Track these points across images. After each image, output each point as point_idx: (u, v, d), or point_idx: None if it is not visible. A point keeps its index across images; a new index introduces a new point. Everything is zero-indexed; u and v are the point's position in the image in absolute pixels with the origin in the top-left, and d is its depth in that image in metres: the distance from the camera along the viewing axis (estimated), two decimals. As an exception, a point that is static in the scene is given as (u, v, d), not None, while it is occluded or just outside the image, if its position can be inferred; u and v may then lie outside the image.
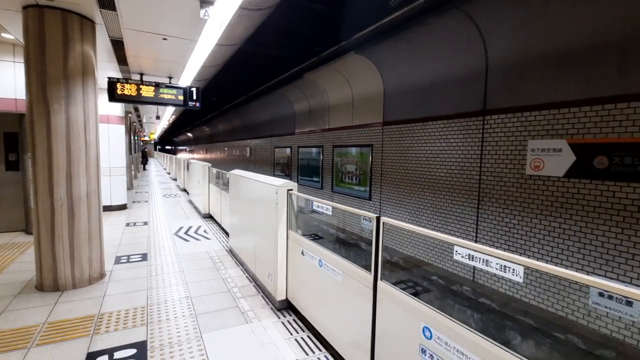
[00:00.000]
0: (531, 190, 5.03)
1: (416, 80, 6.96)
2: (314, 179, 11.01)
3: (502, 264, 1.33)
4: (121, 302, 3.59)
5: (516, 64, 5.15)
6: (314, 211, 8.13)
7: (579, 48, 4.38)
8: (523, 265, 1.29)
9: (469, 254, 1.50)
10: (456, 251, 1.56)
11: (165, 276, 4.31)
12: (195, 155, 32.15)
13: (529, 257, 5.08)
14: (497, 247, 5.49)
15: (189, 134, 34.76)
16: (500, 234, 5.45)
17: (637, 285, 4.00)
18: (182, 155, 31.54)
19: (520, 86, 5.14)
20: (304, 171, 11.70)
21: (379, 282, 2.06)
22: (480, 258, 1.43)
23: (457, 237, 6.10)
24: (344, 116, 9.41)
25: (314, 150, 11.07)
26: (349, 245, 7.72)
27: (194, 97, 6.34)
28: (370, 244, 2.11)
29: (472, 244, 1.50)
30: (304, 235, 3.34)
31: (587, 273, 4.44)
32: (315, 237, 7.53)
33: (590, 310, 4.20)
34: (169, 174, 21.04)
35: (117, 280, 4.19)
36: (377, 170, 8.13)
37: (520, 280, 1.24)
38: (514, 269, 1.29)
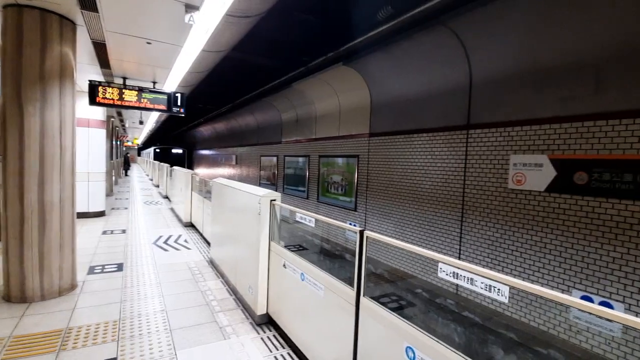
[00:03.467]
0: (513, 204, 5.10)
1: (402, 93, 7.04)
2: (300, 188, 10.93)
3: (487, 284, 1.29)
4: (92, 315, 3.40)
5: (499, 80, 5.26)
6: (298, 221, 8.03)
7: (559, 66, 4.51)
8: (508, 285, 1.25)
9: (454, 272, 1.45)
10: (440, 268, 1.52)
11: (140, 288, 4.12)
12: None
13: (510, 270, 5.12)
14: (479, 261, 5.52)
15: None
16: (483, 247, 5.49)
17: (616, 300, 4.06)
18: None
19: (502, 101, 5.25)
20: (290, 180, 11.61)
21: (362, 299, 2.00)
22: (464, 276, 1.39)
23: (441, 250, 6.13)
24: (330, 126, 9.42)
25: (300, 159, 11.02)
26: (334, 256, 7.64)
27: (179, 103, 6.22)
28: (355, 256, 2.05)
29: (457, 261, 1.46)
30: (287, 246, 3.26)
31: (568, 287, 4.49)
32: (300, 248, 7.42)
33: (571, 325, 4.23)
34: (152, 180, 20.57)
35: (89, 291, 3.98)
36: (362, 181, 8.12)
37: (506, 301, 1.20)
38: (499, 289, 1.26)
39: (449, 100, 6.08)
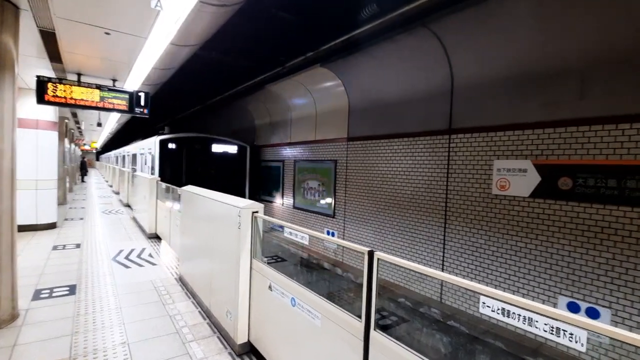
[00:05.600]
0: (497, 210, 5.02)
1: (382, 96, 6.87)
2: (274, 194, 10.50)
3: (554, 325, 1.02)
4: (36, 353, 2.83)
5: (481, 85, 5.20)
6: (272, 229, 7.58)
7: (542, 72, 4.49)
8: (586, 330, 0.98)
9: (501, 307, 1.17)
10: (483, 303, 1.24)
11: (97, 315, 3.55)
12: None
13: (495, 277, 5.02)
14: (464, 268, 5.40)
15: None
16: (467, 254, 5.38)
17: (602, 306, 4.05)
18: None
19: (485, 106, 5.18)
20: (264, 186, 11.13)
21: (372, 333, 1.68)
22: (519, 314, 1.11)
23: (424, 257, 5.97)
24: (307, 130, 9.10)
25: (274, 164, 10.60)
26: (312, 266, 7.25)
27: (142, 103, 5.65)
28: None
29: (505, 294, 1.18)
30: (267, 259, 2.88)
31: (554, 294, 4.44)
32: (277, 260, 6.99)
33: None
34: (111, 186, 19.17)
35: (34, 322, 3.37)
36: (341, 186, 7.86)
37: (583, 350, 0.93)
38: (572, 334, 0.99)
39: (431, 104, 5.96)
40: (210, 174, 10.37)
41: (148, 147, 10.56)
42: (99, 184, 22.20)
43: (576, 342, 0.98)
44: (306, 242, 2.31)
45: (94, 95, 5.51)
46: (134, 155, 13.66)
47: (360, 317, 1.75)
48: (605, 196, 3.97)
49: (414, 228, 6.25)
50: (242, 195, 10.19)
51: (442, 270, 5.63)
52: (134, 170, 12.37)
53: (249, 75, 7.92)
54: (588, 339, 1.00)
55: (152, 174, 9.27)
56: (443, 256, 5.72)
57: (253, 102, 10.66)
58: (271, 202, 10.73)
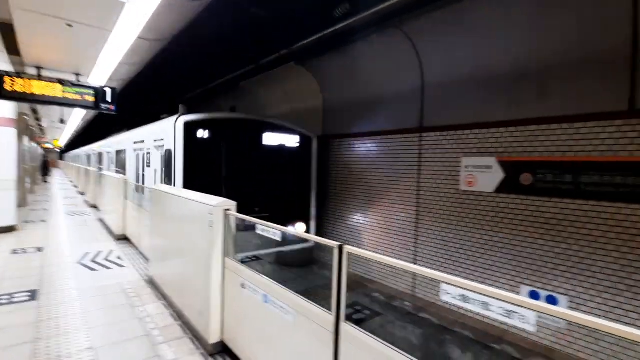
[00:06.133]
0: (465, 205, 5.23)
1: (355, 95, 6.96)
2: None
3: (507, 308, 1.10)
4: (-9, 363, 2.68)
5: (450, 85, 5.38)
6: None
7: (506, 73, 4.71)
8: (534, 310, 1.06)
9: (463, 295, 1.24)
10: (445, 290, 1.30)
11: (60, 320, 3.39)
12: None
13: (464, 269, 5.23)
14: (435, 261, 5.59)
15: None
16: (438, 248, 5.57)
17: (560, 293, 4.32)
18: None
19: (454, 105, 5.37)
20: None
21: (342, 325, 1.73)
22: (477, 300, 1.18)
23: (397, 252, 6.12)
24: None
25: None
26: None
27: (109, 99, 5.43)
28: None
29: (464, 281, 1.25)
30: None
31: (517, 283, 4.69)
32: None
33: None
34: (77, 187, 18.27)
35: (-11, 330, 3.18)
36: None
37: (533, 329, 1.01)
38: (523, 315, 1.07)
39: (402, 103, 6.11)
40: (260, 181, 6.38)
41: (155, 138, 6.38)
42: (64, 184, 21.10)
43: (526, 323, 1.06)
44: (279, 239, 2.32)
45: (55, 90, 5.23)
46: (121, 153, 9.47)
47: (330, 310, 1.79)
48: (562, 191, 4.23)
49: (387, 223, 6.39)
50: (307, 225, 7.14)
51: (415, 264, 5.80)
52: (119, 172, 9.15)
53: (221, 72, 7.78)
54: (538, 320, 1.08)
55: (167, 182, 5.71)
56: (415, 250, 5.89)
57: (227, 98, 10.45)
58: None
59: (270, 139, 6.48)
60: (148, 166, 6.83)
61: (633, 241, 3.65)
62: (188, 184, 5.35)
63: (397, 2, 4.60)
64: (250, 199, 5.32)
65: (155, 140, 6.39)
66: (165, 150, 5.85)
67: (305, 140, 7.07)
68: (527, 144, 4.57)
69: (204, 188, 3.86)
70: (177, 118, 5.58)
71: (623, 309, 3.75)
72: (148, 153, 6.84)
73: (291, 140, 6.83)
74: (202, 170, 5.70)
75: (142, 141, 7.27)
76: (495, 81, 4.84)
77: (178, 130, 5.48)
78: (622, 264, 3.75)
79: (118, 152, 9.84)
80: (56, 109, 10.02)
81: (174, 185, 5.44)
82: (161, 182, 5.90)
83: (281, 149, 6.64)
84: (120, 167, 9.39)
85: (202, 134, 5.70)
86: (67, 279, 4.55)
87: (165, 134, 5.86)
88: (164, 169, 5.90)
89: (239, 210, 2.84)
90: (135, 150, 7.84)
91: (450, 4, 4.72)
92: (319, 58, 6.86)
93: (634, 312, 3.68)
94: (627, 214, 3.68)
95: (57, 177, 27.34)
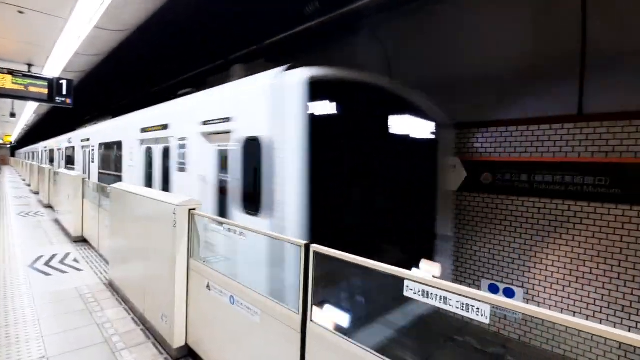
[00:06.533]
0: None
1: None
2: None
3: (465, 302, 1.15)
4: None
5: (417, 87, 5.54)
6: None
7: (468, 77, 4.92)
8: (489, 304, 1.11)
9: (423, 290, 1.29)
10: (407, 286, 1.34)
11: (10, 329, 3.15)
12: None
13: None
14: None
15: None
16: (406, 245, 5.73)
17: (517, 286, 4.58)
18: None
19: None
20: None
21: (309, 324, 1.73)
22: (437, 295, 1.23)
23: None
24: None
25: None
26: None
27: (64, 92, 5.10)
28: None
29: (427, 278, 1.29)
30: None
31: (478, 277, 4.93)
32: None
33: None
34: (29, 185, 17.01)
35: None
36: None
37: (487, 321, 1.07)
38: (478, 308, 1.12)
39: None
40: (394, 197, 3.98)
41: (206, 119, 3.76)
42: (15, 182, 19.58)
43: (481, 315, 1.12)
44: (245, 238, 2.29)
45: (4, 82, 4.83)
46: (118, 145, 6.52)
47: (297, 309, 1.79)
48: (518, 189, 4.49)
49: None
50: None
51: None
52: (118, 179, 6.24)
53: (187, 67, 7.51)
54: (493, 312, 1.13)
55: (251, 209, 2.99)
56: (384, 248, 6.01)
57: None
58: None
59: (396, 124, 3.82)
60: (183, 170, 4.20)
61: (580, 236, 3.93)
62: (318, 202, 2.78)
63: (365, 3, 4.65)
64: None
65: (205, 123, 3.74)
66: (247, 140, 3.10)
67: (439, 130, 4.54)
68: (487, 144, 4.80)
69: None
70: (287, 73, 3.03)
71: (572, 299, 4.04)
72: (183, 145, 4.21)
73: (425, 129, 4.33)
74: (330, 170, 3.18)
75: (165, 126, 4.70)
76: (459, 84, 5.02)
77: (290, 97, 2.86)
78: (570, 257, 4.03)
79: (108, 147, 7.37)
80: (6, 101, 9.26)
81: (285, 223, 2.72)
82: (243, 209, 3.08)
83: (407, 141, 4.02)
84: (117, 171, 6.69)
85: (331, 107, 3.00)
86: (18, 285, 4.23)
87: (244, 108, 3.31)
88: (244, 176, 3.14)
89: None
90: (143, 142, 5.46)
91: None
92: (290, 56, 6.81)
93: (580, 301, 3.97)
94: (575, 210, 3.97)
95: (7, 175, 25.31)
